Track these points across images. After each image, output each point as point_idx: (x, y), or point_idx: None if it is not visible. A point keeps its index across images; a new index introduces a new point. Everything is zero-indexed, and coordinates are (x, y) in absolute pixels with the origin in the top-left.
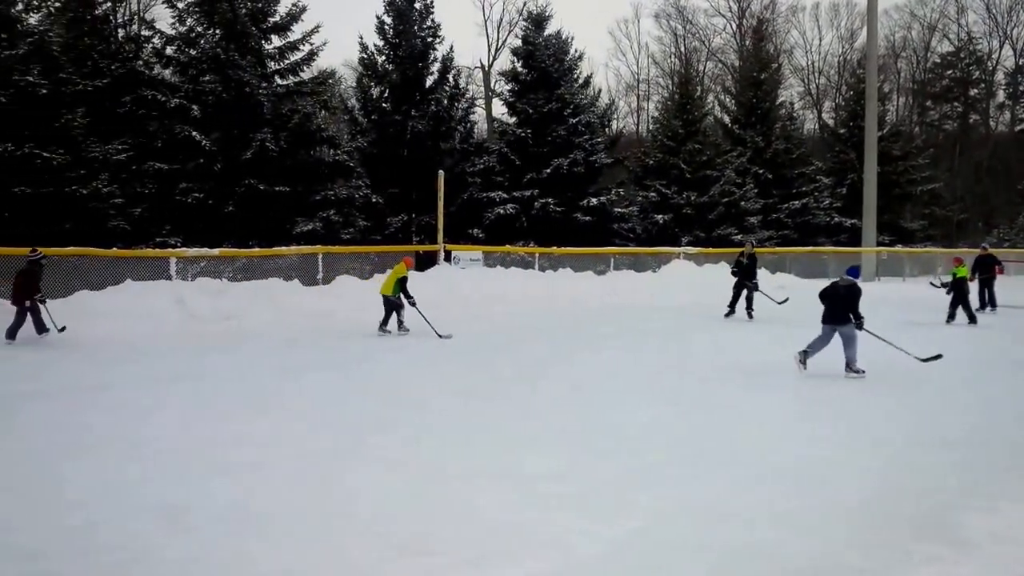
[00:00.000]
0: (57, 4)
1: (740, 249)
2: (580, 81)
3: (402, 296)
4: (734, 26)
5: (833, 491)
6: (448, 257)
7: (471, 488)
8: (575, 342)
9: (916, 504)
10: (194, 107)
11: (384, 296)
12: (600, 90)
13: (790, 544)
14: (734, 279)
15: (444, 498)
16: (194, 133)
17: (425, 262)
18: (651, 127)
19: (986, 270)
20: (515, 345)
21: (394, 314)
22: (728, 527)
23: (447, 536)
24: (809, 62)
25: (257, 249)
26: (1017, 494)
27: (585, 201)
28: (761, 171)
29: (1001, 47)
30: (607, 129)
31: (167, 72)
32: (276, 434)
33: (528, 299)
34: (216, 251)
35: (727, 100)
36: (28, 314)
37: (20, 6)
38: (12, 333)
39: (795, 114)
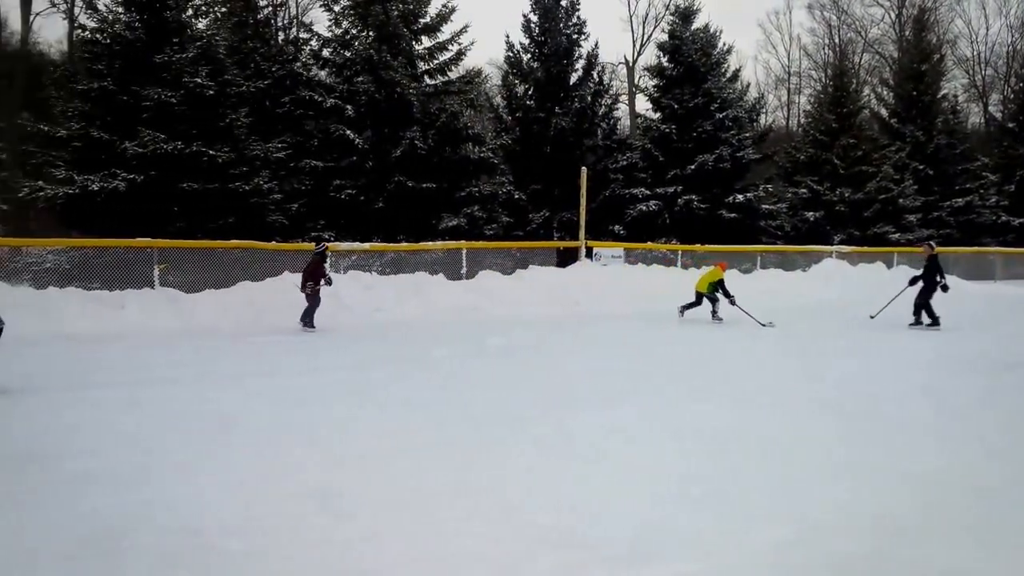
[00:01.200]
0: (223, 9)
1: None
2: (728, 75)
3: (719, 293)
4: (893, 16)
5: None
6: (589, 254)
7: (618, 484)
8: (723, 338)
9: None
10: (348, 107)
11: (698, 291)
12: (749, 84)
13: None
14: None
15: (589, 492)
16: (348, 132)
17: (566, 259)
18: (802, 121)
19: None
20: (663, 343)
21: (705, 303)
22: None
23: (592, 531)
24: (975, 52)
25: (404, 244)
26: None
27: (731, 198)
28: (921, 167)
29: None
30: (755, 124)
31: (323, 73)
32: (431, 422)
33: (670, 297)
34: (366, 245)
35: (885, 93)
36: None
37: (190, 12)
38: (308, 318)
39: (959, 107)
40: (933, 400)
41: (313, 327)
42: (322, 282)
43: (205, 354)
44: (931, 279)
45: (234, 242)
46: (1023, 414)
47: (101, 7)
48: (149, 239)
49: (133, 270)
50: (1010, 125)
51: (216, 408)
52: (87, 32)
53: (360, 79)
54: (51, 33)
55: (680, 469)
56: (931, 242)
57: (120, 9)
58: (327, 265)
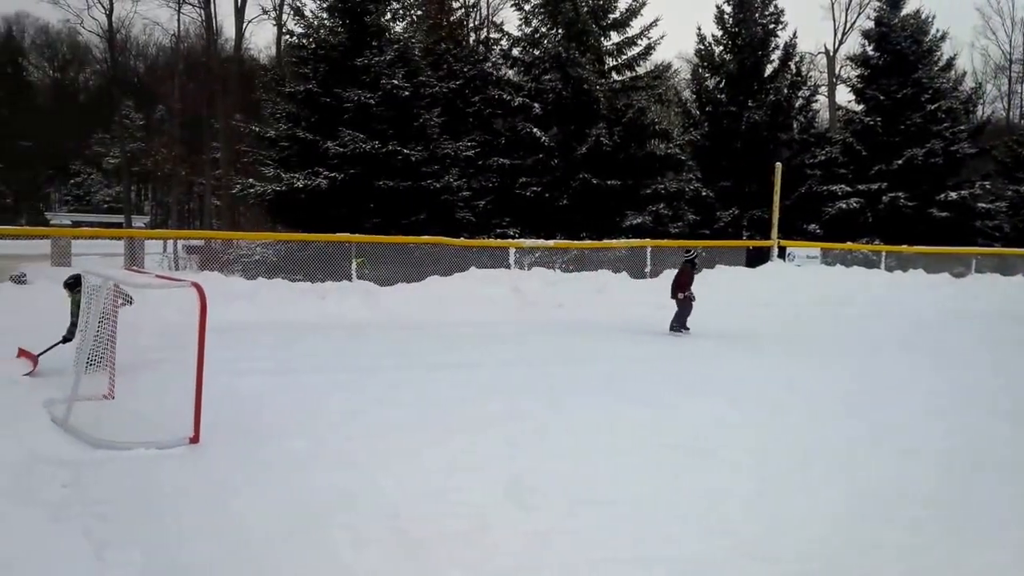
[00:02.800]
0: (418, 12)
1: None
2: (940, 64)
3: None
4: None
5: None
6: (782, 254)
7: (814, 494)
8: (922, 351)
9: None
10: (535, 105)
11: None
12: (964, 73)
13: None
14: None
15: (788, 501)
16: (534, 130)
17: (756, 259)
18: None
19: None
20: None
21: None
22: None
23: (788, 542)
24: None
25: (588, 241)
26: None
27: (942, 195)
28: None
29: None
30: (971, 116)
31: (512, 72)
32: (632, 421)
33: (872, 301)
34: (551, 243)
35: None
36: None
37: (388, 15)
38: (679, 322)
39: None
40: None
41: (686, 329)
42: (690, 290)
43: (400, 344)
44: None
45: (425, 238)
46: None
47: (308, 13)
48: (348, 234)
49: (333, 264)
50: None
51: (414, 396)
52: (294, 37)
53: (548, 77)
54: (261, 39)
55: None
56: None
57: (325, 15)
58: (695, 273)
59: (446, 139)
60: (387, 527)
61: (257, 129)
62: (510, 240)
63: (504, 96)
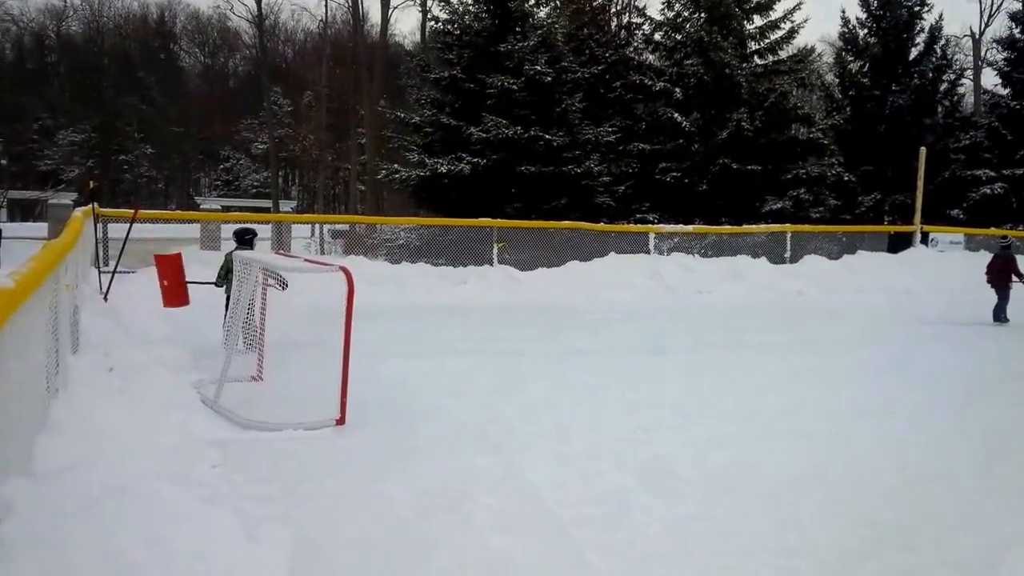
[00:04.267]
0: None
1: None
2: None
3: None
4: None
5: None
6: (925, 239)
7: (959, 486)
8: None
9: None
10: (676, 90)
11: None
12: None
13: None
14: None
15: (932, 495)
16: (675, 115)
17: (898, 244)
18: None
19: None
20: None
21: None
22: None
23: (928, 535)
24: None
25: (727, 227)
26: None
27: None
28: None
29: None
30: None
31: (653, 57)
32: (767, 406)
33: (1019, 287)
34: (690, 228)
35: None
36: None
37: (532, 1)
38: (1000, 313)
39: None
40: None
41: (1007, 320)
42: (1015, 278)
43: (540, 328)
44: None
45: (565, 223)
46: None
47: (453, 0)
48: (489, 219)
49: (474, 248)
50: None
51: (556, 380)
52: (439, 23)
53: (689, 61)
54: (406, 26)
55: None
56: None
57: (470, 1)
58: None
59: (587, 124)
60: (529, 509)
61: (402, 115)
62: (649, 225)
63: (645, 81)
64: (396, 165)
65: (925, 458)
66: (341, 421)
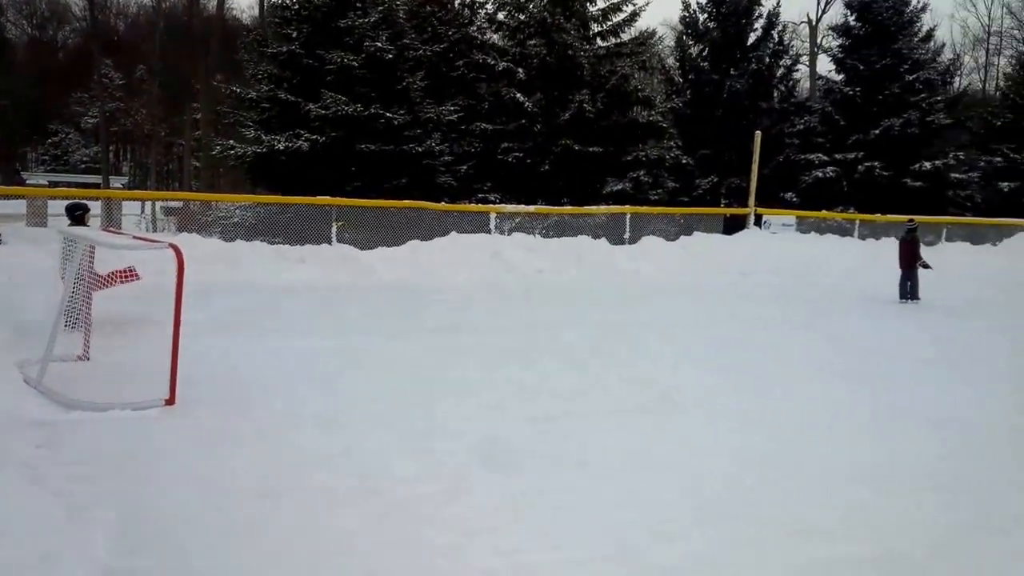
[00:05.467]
0: None
1: None
2: (920, 35)
3: None
4: None
5: None
6: (758, 221)
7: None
8: (891, 316)
9: None
10: (519, 70)
11: None
12: (943, 44)
13: None
14: None
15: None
16: (518, 95)
17: (733, 226)
18: (1001, 85)
19: None
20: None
21: None
22: None
23: (766, 507)
24: None
25: (569, 207)
26: None
27: (917, 165)
28: None
29: None
30: (948, 87)
31: (496, 37)
32: (608, 384)
33: (844, 269)
34: (531, 208)
35: None
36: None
37: None
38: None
39: None
40: None
41: (918, 298)
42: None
43: (380, 308)
44: None
45: (406, 202)
46: None
47: None
48: (328, 198)
49: (313, 227)
50: None
51: (395, 359)
52: None
53: (532, 42)
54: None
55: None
56: None
57: None
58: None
59: (429, 103)
60: (366, 488)
61: (238, 90)
62: (491, 205)
63: (488, 61)
64: (232, 141)
65: (744, 434)
66: (171, 401)
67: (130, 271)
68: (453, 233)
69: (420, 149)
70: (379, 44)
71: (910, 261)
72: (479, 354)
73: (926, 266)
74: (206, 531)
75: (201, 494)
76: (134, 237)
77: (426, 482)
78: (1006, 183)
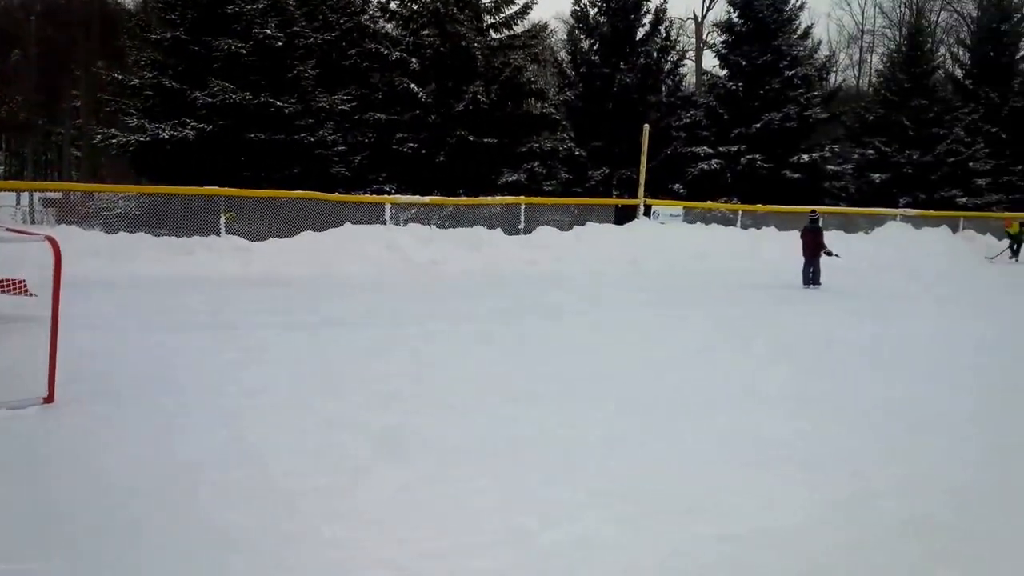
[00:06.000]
0: None
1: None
2: (799, 32)
3: None
4: None
5: None
6: (648, 212)
7: (675, 440)
8: (774, 301)
9: None
10: (413, 60)
11: None
12: (820, 42)
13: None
14: None
15: (651, 447)
16: (412, 85)
17: (624, 216)
18: (873, 81)
19: None
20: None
21: None
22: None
23: (648, 486)
24: None
25: (464, 198)
26: None
27: (795, 158)
28: (994, 130)
29: None
30: (824, 83)
31: (390, 26)
32: (485, 373)
33: (729, 256)
34: (426, 199)
35: (961, 53)
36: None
37: None
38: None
39: None
40: None
41: (819, 283)
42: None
43: (271, 300)
44: None
45: (298, 192)
46: None
47: None
48: (216, 188)
49: (200, 218)
50: None
51: (286, 353)
52: None
53: (426, 32)
54: None
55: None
56: None
57: None
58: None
59: (321, 92)
60: (258, 483)
61: (121, 77)
62: (385, 196)
63: (381, 50)
64: (113, 130)
65: (628, 416)
66: (49, 399)
67: (20, 284)
68: (347, 224)
69: (312, 139)
70: (268, 31)
71: (813, 250)
72: (373, 346)
73: (830, 254)
74: (86, 531)
75: (80, 494)
76: (7, 229)
77: (321, 475)
78: (877, 174)
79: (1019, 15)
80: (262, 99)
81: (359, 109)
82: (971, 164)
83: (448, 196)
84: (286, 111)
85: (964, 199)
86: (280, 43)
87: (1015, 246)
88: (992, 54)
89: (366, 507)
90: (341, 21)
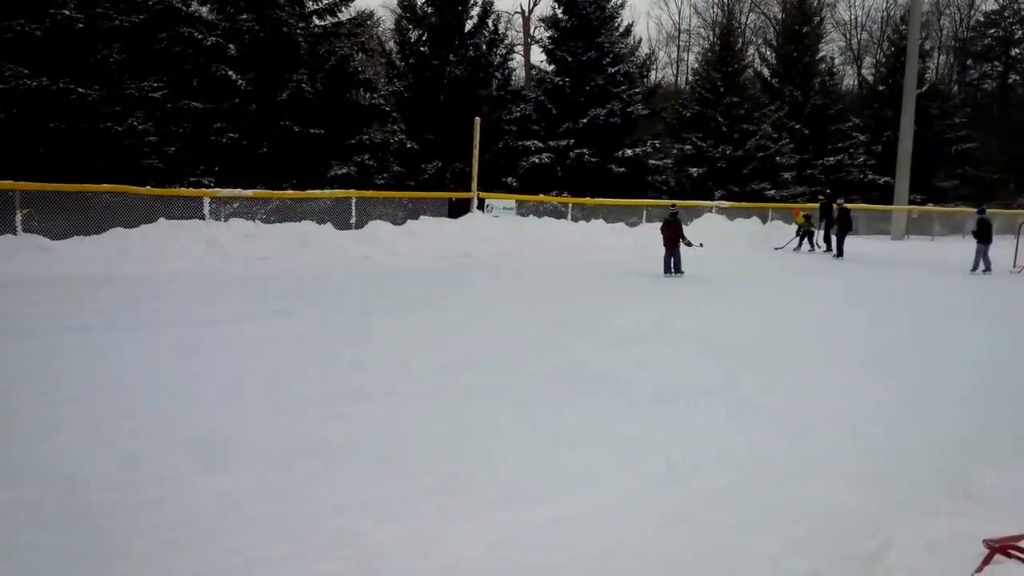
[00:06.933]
0: None
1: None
2: (621, 30)
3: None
4: None
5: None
6: (481, 205)
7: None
8: (611, 292)
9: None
10: (231, 46)
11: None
12: (640, 40)
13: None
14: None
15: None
16: (230, 73)
17: (458, 210)
18: (690, 79)
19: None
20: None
21: None
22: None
23: (479, 478)
24: (852, 16)
25: (290, 191)
26: None
27: (620, 152)
28: (798, 126)
29: None
30: (646, 80)
31: (204, 9)
32: (313, 375)
33: (561, 249)
34: (249, 192)
35: (768, 53)
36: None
37: None
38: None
39: (835, 69)
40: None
41: (682, 272)
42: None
43: (74, 302)
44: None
45: (105, 186)
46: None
47: None
48: (11, 182)
49: None
50: (880, 88)
51: (91, 358)
52: None
53: (243, 16)
54: None
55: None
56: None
57: None
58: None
59: (129, 79)
60: (67, 499)
61: None
62: (204, 189)
63: (196, 35)
64: None
65: (460, 410)
66: None
67: None
68: (162, 220)
69: (120, 128)
70: (67, 11)
71: (673, 241)
72: (188, 349)
73: (691, 244)
74: None
75: None
76: None
77: (129, 489)
78: (695, 168)
79: (818, 18)
80: (62, 85)
81: (172, 97)
82: (778, 158)
83: (274, 190)
84: (90, 98)
85: (772, 191)
86: (81, 24)
87: (804, 237)
88: (795, 54)
89: (181, 520)
90: (149, 3)
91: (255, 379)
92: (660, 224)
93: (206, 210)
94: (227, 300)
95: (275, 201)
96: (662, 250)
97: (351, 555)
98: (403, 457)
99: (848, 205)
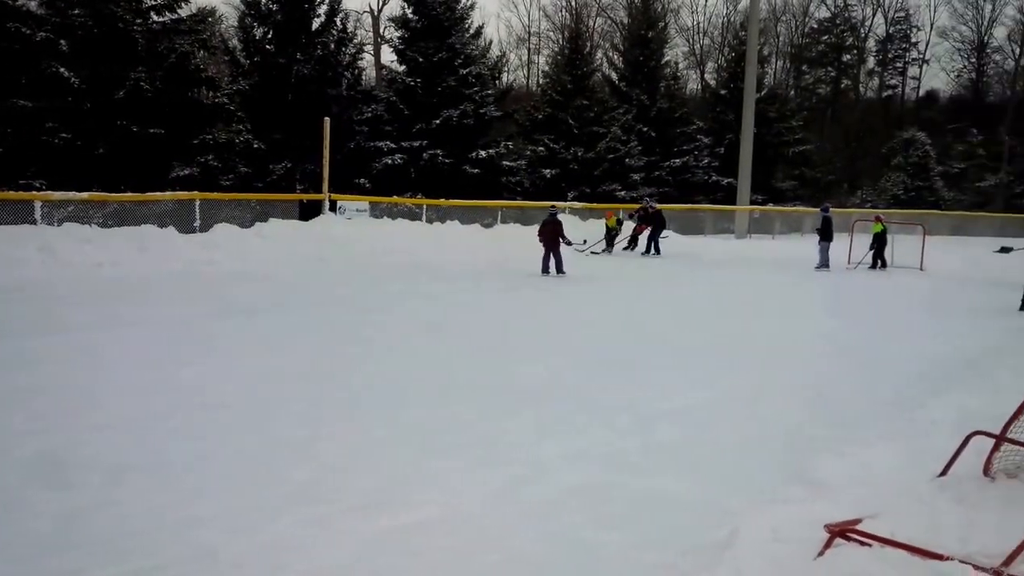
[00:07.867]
0: None
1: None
2: (471, 31)
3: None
4: None
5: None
6: (333, 207)
7: (365, 436)
8: (461, 291)
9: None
10: (62, 42)
11: None
12: (491, 41)
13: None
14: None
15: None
16: (62, 70)
17: (309, 212)
18: (541, 81)
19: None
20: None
21: None
22: (611, 464)
23: (337, 485)
24: (695, 22)
25: (129, 194)
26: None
27: (474, 154)
28: (645, 129)
29: (874, 15)
30: (498, 82)
31: (33, 4)
32: (177, 383)
33: (416, 251)
34: (85, 195)
35: (615, 57)
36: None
37: None
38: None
39: (679, 74)
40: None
41: (563, 272)
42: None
43: None
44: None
45: None
46: None
47: None
48: None
49: None
50: (722, 92)
51: None
52: None
53: (75, 12)
54: None
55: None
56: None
57: None
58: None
59: None
60: None
61: None
62: (35, 193)
63: (23, 30)
64: None
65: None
66: None
67: None
68: None
69: None
70: None
71: (553, 240)
72: (26, 362)
73: (570, 243)
74: None
75: None
76: None
77: None
78: (548, 170)
79: (663, 23)
80: None
81: None
82: (627, 160)
83: (111, 192)
84: None
85: (622, 192)
86: None
87: (610, 238)
88: (641, 59)
89: (20, 540)
90: None
91: (91, 390)
92: (538, 225)
93: (38, 214)
94: (65, 307)
95: (113, 204)
96: (520, 250)
97: (204, 569)
98: (250, 462)
99: (658, 206)
